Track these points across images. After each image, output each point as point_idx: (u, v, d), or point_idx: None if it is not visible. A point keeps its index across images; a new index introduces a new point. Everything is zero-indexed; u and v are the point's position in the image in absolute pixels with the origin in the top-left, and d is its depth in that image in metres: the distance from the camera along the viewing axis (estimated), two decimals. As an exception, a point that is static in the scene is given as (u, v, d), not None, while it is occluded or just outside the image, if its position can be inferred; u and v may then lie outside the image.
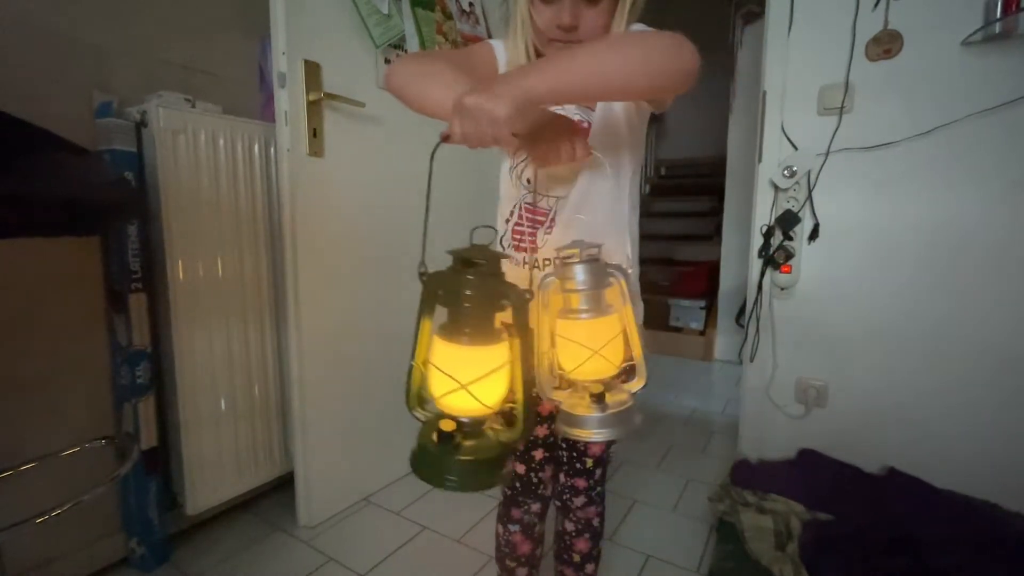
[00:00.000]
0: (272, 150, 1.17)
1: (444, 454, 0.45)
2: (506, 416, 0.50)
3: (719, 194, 2.84)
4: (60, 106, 0.96)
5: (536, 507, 0.80)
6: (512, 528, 0.81)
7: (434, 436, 0.45)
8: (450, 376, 0.45)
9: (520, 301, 0.46)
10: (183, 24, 1.15)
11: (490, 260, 0.46)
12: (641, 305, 0.73)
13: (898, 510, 1.16)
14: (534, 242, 0.67)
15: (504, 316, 0.48)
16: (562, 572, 0.83)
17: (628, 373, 0.56)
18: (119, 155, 0.99)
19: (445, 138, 0.46)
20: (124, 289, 1.01)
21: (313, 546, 1.16)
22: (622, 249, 0.68)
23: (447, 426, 0.45)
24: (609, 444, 0.76)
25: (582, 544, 0.80)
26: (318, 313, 1.19)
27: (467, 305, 0.46)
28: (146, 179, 1.02)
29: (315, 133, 1.14)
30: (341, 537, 1.20)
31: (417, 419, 0.51)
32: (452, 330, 0.46)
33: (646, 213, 4.24)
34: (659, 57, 0.47)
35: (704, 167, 4.17)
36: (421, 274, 0.47)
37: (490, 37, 1.57)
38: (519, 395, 0.49)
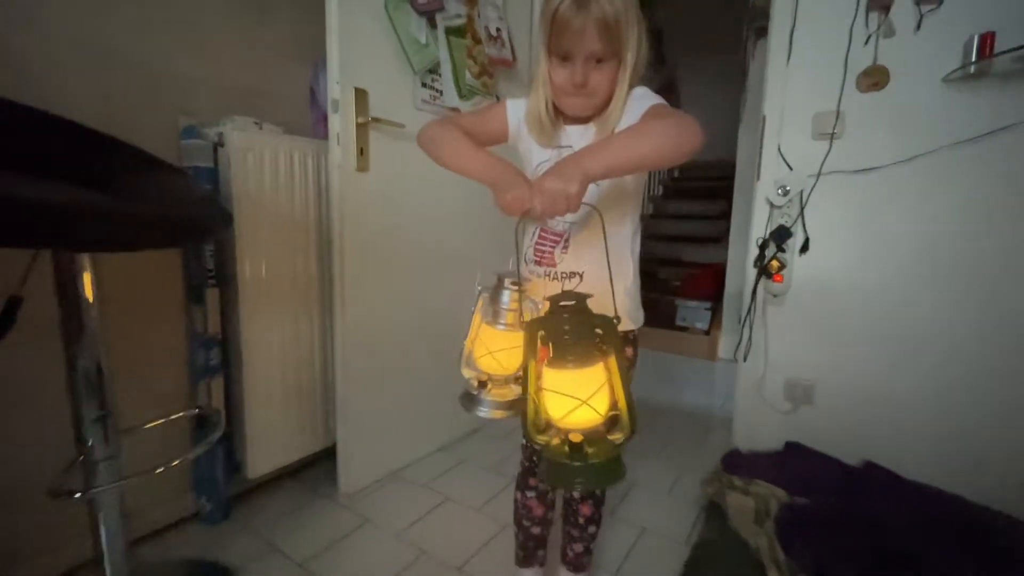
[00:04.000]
0: (323, 165, 1.34)
1: (575, 461, 0.55)
2: (609, 422, 0.59)
3: (731, 197, 2.95)
4: (152, 129, 1.13)
5: (548, 476, 0.96)
6: (529, 494, 0.97)
7: (566, 448, 0.56)
8: (573, 396, 0.55)
9: (610, 326, 0.59)
10: (249, 54, 1.32)
11: (579, 299, 0.59)
12: (641, 312, 0.88)
13: (869, 498, 1.30)
14: (552, 259, 0.83)
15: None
16: (569, 532, 0.99)
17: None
18: (200, 171, 1.16)
19: (527, 212, 0.60)
20: (202, 284, 1.18)
21: (352, 510, 1.34)
22: (624, 268, 0.83)
23: (576, 438, 0.56)
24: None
25: (586, 508, 0.96)
26: (361, 308, 1.36)
27: (567, 338, 0.57)
28: (221, 191, 1.19)
29: (362, 151, 1.30)
30: (376, 503, 1.38)
31: (537, 444, 0.60)
32: (558, 360, 0.57)
33: (659, 214, 4.35)
34: (681, 140, 0.63)
35: (717, 170, 4.26)
36: (523, 322, 0.60)
37: (514, 58, 1.72)
38: (622, 402, 0.58)
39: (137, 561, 0.93)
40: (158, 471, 0.85)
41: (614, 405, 0.59)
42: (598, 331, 0.59)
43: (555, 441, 0.59)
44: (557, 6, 0.69)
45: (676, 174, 4.76)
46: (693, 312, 3.01)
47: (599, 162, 0.60)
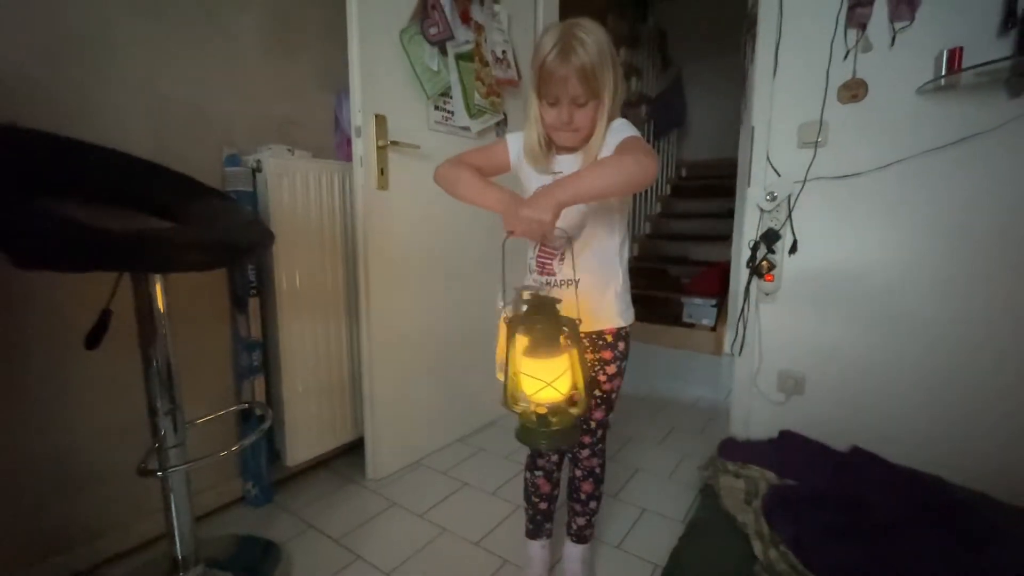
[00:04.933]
0: (348, 184, 1.48)
1: (541, 426, 0.73)
2: (570, 400, 0.76)
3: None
4: (199, 159, 1.29)
5: (555, 458, 1.09)
6: (537, 474, 1.10)
7: (533, 417, 0.73)
8: (540, 379, 0.71)
9: (573, 327, 0.73)
10: (281, 86, 1.47)
11: (550, 304, 0.74)
12: (631, 311, 1.00)
13: (854, 480, 1.40)
14: (552, 269, 0.96)
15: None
16: (572, 508, 1.12)
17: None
18: (241, 194, 1.31)
19: (510, 233, 0.75)
20: (245, 294, 1.34)
21: (379, 494, 1.49)
22: (614, 274, 0.96)
23: (541, 410, 0.73)
24: (608, 412, 1.04)
25: (587, 486, 1.08)
26: (383, 312, 1.50)
27: (539, 335, 0.72)
28: (259, 211, 1.34)
29: (382, 171, 1.45)
30: (400, 488, 1.52)
31: (513, 411, 0.77)
32: (532, 351, 0.72)
33: (667, 213, 4.44)
34: (638, 173, 0.76)
35: (724, 168, 4.32)
36: (505, 319, 0.75)
37: (519, 77, 1.85)
38: (580, 385, 0.75)
39: (196, 536, 1.08)
40: (224, 454, 1.00)
41: (575, 387, 0.75)
42: (564, 329, 0.74)
43: (528, 410, 0.76)
44: (543, 59, 0.82)
45: (684, 173, 4.83)
46: (699, 309, 3.10)
47: (568, 193, 0.74)
